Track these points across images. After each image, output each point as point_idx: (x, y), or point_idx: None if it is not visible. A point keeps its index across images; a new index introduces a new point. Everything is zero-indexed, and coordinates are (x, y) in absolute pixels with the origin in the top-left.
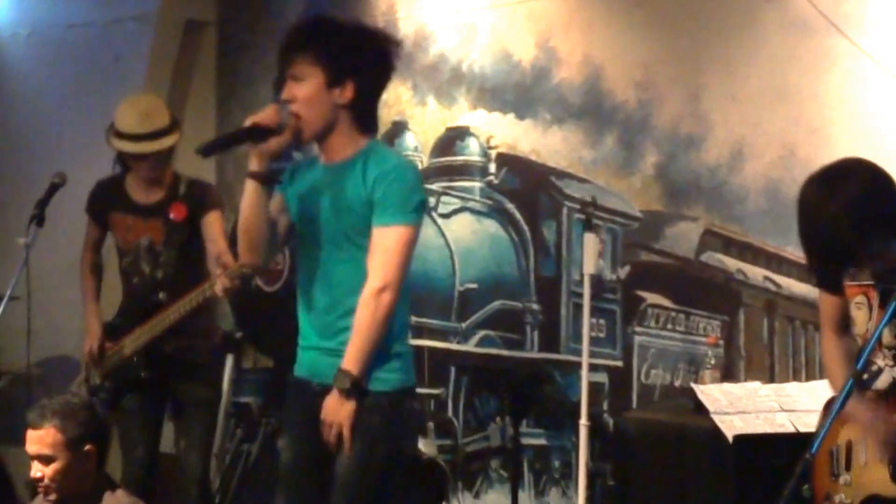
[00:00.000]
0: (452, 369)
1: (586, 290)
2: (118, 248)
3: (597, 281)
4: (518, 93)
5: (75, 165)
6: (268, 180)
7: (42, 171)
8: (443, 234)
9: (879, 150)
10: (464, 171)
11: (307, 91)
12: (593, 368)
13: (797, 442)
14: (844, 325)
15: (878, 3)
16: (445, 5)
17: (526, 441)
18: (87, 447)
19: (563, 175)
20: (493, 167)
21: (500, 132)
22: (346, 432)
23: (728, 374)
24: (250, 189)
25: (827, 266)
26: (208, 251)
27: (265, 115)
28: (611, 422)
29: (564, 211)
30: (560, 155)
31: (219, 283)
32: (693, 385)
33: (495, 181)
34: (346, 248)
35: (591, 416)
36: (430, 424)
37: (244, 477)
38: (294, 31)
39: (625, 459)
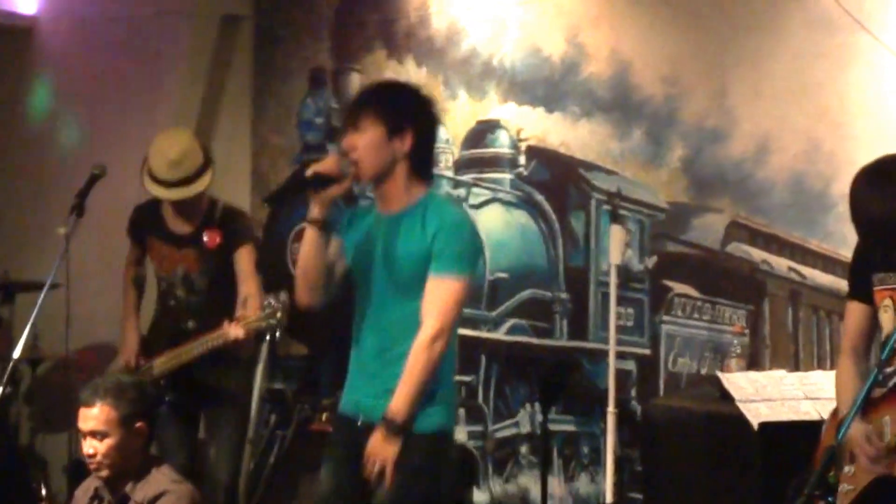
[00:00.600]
0: (483, 357)
1: (612, 280)
2: (156, 272)
3: (624, 271)
4: (547, 87)
5: (114, 157)
6: (326, 226)
7: (81, 162)
8: None
9: None
10: (494, 163)
11: (368, 139)
12: (621, 356)
13: (821, 430)
14: (866, 343)
15: None
16: (477, 1)
17: (555, 427)
18: (139, 424)
19: (591, 167)
20: (522, 159)
21: (530, 125)
22: (388, 468)
23: (753, 362)
24: (310, 234)
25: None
26: (238, 290)
27: (326, 164)
28: (638, 409)
29: (593, 202)
30: (588, 147)
31: (232, 332)
32: (719, 373)
33: (525, 173)
34: (400, 295)
35: (619, 404)
36: (461, 411)
37: (277, 463)
38: (359, 93)
39: (652, 446)
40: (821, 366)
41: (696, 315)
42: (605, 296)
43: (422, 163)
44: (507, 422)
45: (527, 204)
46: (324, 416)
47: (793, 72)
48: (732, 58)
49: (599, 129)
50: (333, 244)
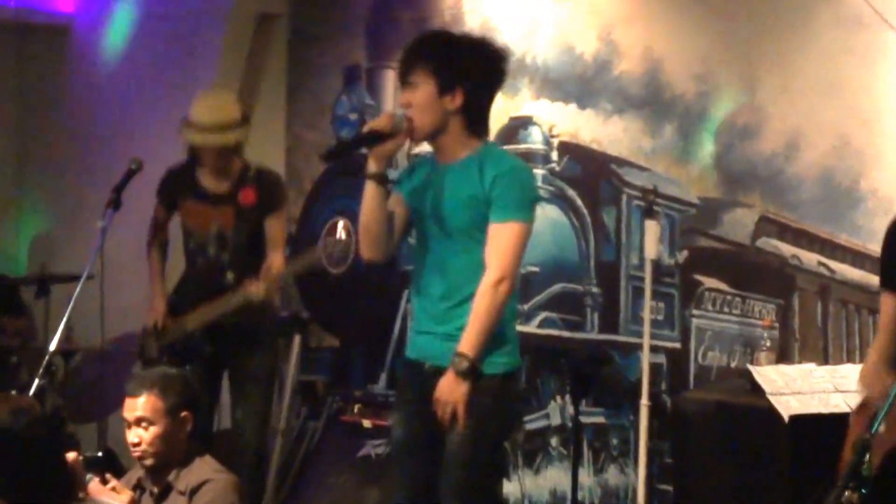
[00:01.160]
0: None
1: (647, 275)
2: (186, 231)
3: (655, 265)
4: (580, 84)
5: (149, 153)
6: (384, 180)
7: (117, 157)
8: None
9: None
10: (527, 158)
11: (420, 97)
12: (652, 350)
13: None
14: None
15: None
16: None
17: (585, 420)
18: (183, 414)
19: (623, 163)
20: (555, 155)
21: (563, 121)
22: (460, 410)
23: (783, 356)
24: (370, 189)
25: None
26: (266, 255)
27: (381, 121)
28: (669, 401)
29: (624, 198)
30: (620, 144)
31: (253, 289)
32: (749, 366)
33: (557, 169)
34: (461, 241)
35: (650, 396)
36: None
37: (308, 454)
38: (411, 43)
39: (682, 438)
40: (850, 359)
41: (726, 309)
42: (636, 290)
43: (475, 120)
44: (538, 414)
45: (559, 199)
46: (356, 408)
47: (822, 69)
48: (762, 56)
49: (631, 126)
50: (394, 196)
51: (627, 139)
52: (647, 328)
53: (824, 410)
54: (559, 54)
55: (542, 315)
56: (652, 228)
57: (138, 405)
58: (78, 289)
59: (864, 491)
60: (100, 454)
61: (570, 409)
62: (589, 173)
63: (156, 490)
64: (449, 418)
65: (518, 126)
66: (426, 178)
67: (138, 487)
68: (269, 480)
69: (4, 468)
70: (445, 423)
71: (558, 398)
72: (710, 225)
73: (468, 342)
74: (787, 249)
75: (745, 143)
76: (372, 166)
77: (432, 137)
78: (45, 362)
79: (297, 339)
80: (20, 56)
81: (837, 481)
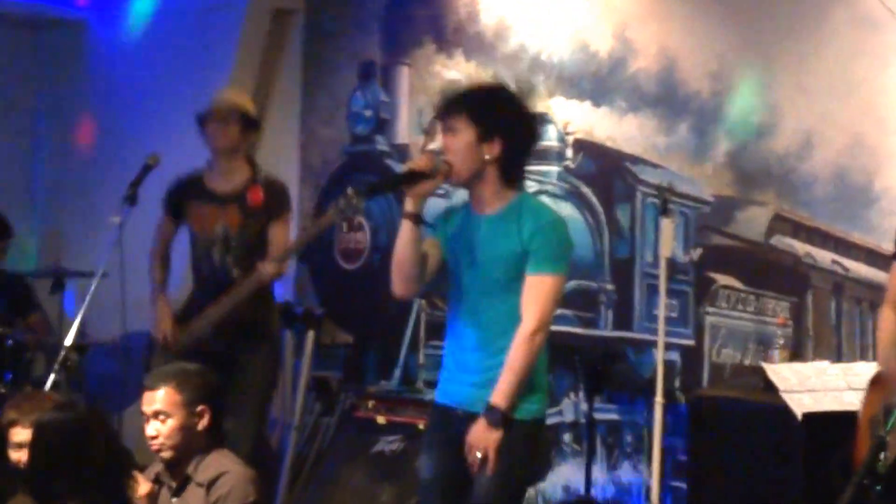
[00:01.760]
0: None
1: (662, 273)
2: (193, 238)
3: (669, 263)
4: (595, 81)
5: (165, 149)
6: (420, 220)
7: (134, 153)
8: None
9: None
10: (542, 155)
11: (460, 142)
12: (666, 347)
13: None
14: None
15: None
16: None
17: (599, 416)
18: (201, 407)
19: (637, 161)
20: (570, 152)
21: (577, 119)
22: (491, 455)
23: (796, 353)
24: (405, 227)
25: None
26: (269, 254)
27: (421, 161)
28: (682, 399)
29: (638, 195)
30: (635, 141)
31: (265, 268)
32: (763, 364)
33: (572, 166)
34: (497, 293)
35: (665, 394)
36: None
37: (321, 450)
38: (454, 91)
39: (696, 435)
40: (863, 357)
41: (740, 306)
42: (650, 287)
43: (511, 171)
44: (552, 410)
45: (573, 196)
46: (370, 404)
47: (837, 68)
48: (777, 55)
49: (646, 124)
50: (429, 238)
51: (642, 137)
52: (661, 325)
53: (838, 408)
54: (574, 52)
55: (557, 311)
56: (667, 226)
57: (156, 398)
58: (94, 284)
59: (878, 488)
60: None
61: (584, 406)
62: (603, 171)
63: (174, 484)
64: (479, 462)
65: None
66: (460, 226)
67: (157, 482)
68: (283, 476)
69: (66, 465)
70: (475, 466)
71: (572, 395)
72: (725, 223)
73: (502, 393)
74: (801, 247)
75: (760, 142)
76: (409, 205)
77: (469, 183)
78: (60, 357)
79: (310, 336)
80: (35, 51)
81: (852, 476)
